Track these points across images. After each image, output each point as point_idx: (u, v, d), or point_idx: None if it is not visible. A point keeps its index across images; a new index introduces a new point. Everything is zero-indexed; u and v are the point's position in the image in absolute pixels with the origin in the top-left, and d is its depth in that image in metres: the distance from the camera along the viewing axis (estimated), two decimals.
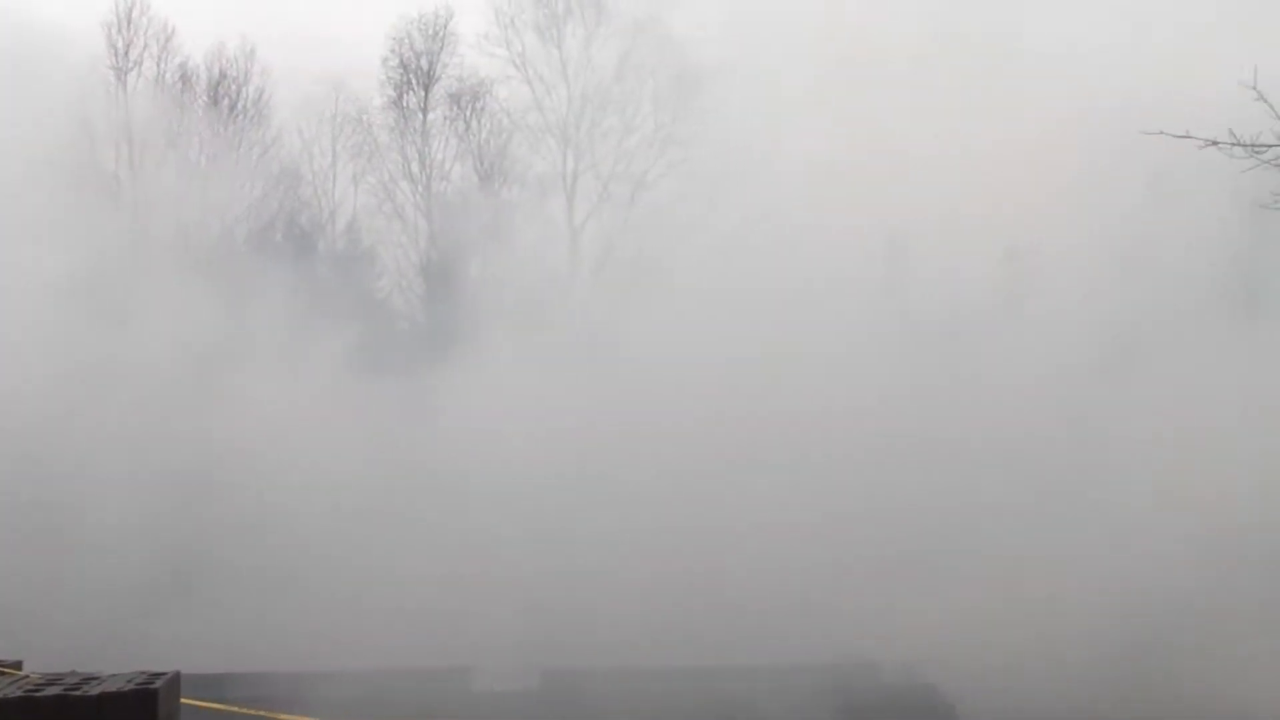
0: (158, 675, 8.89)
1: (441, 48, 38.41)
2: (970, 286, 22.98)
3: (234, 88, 36.92)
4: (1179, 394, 20.04)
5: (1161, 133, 13.56)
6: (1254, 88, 12.92)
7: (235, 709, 14.87)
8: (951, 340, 22.04)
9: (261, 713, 14.97)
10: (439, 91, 38.00)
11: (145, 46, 36.03)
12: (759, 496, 20.74)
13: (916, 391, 21.46)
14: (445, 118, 37.75)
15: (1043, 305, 22.54)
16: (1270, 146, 13.21)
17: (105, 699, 8.36)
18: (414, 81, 38.27)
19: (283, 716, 14.85)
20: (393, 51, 38.13)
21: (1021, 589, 19.04)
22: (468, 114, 37.41)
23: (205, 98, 36.24)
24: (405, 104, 38.16)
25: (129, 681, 8.68)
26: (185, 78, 36.32)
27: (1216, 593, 18.61)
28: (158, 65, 36.14)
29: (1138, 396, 20.54)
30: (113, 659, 11.84)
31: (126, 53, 35.86)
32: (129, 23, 36.05)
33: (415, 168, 37.45)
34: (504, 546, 20.26)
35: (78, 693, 8.40)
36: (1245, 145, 13.29)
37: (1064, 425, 21.01)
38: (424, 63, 38.24)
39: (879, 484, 20.75)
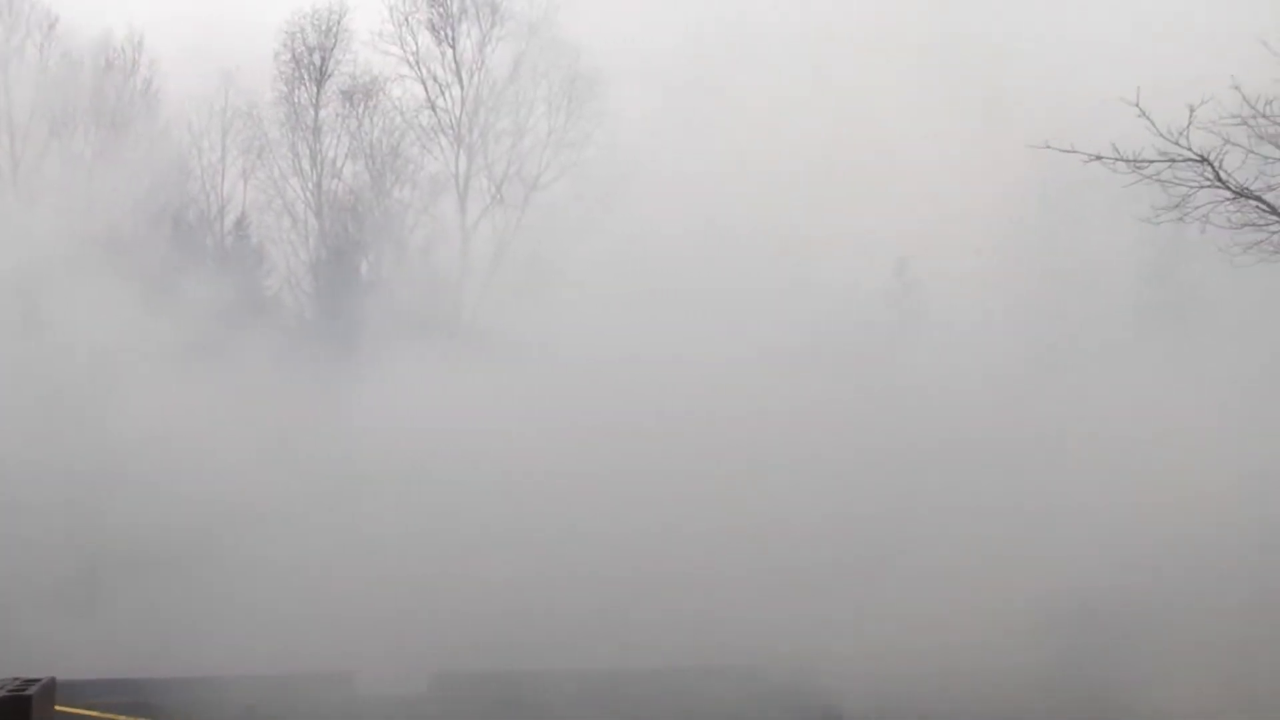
0: (32, 681, 8.71)
1: (335, 43, 37.91)
2: (870, 294, 23.22)
3: (121, 78, 36.20)
4: (1092, 400, 20.41)
5: (1048, 146, 13.89)
6: (1136, 104, 13.27)
7: (111, 717, 14.62)
8: (856, 347, 22.23)
9: None
10: (331, 88, 37.53)
11: (27, 34, 35.17)
12: (663, 501, 20.80)
13: (824, 399, 21.60)
14: (337, 114, 37.30)
15: (942, 315, 22.84)
16: (1151, 162, 13.58)
17: None
18: (306, 77, 37.76)
19: None
20: (285, 45, 37.56)
21: (915, 596, 19.25)
22: (360, 111, 36.99)
23: (90, 88, 35.44)
24: (297, 99, 37.61)
25: (1, 688, 8.50)
26: (70, 67, 35.51)
27: (1133, 595, 18.95)
28: (40, 53, 35.32)
29: (1044, 406, 20.93)
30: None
31: (8, 40, 35.00)
32: (10, 9, 35.17)
33: (306, 164, 36.98)
34: (399, 548, 20.10)
35: None
36: (1128, 160, 13.65)
37: (967, 433, 21.25)
38: (317, 58, 37.74)
39: (781, 490, 20.86)
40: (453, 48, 35.69)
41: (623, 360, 21.84)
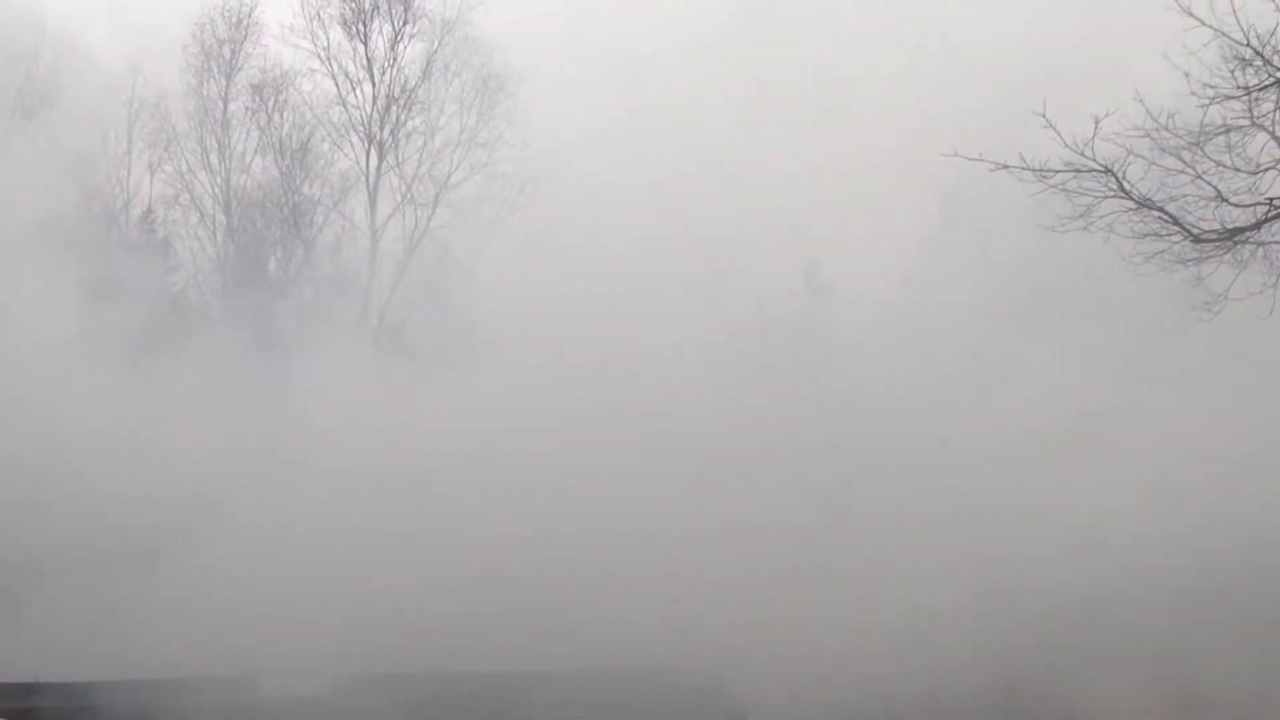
0: None
1: (245, 36, 37.44)
2: (780, 297, 23.36)
3: (24, 65, 35.50)
4: (994, 404, 20.64)
5: (956, 154, 14.05)
6: (1042, 115, 13.46)
7: None
8: (773, 350, 22.34)
9: None
10: (241, 81, 37.07)
11: None
12: (569, 503, 20.79)
13: (733, 401, 21.69)
14: (247, 109, 36.84)
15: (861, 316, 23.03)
16: (1057, 172, 13.79)
17: None
18: (216, 69, 37.25)
19: None
20: (194, 37, 37.03)
21: (821, 599, 19.37)
22: (270, 106, 36.55)
23: None
24: (206, 92, 37.13)
25: None
26: None
27: (1063, 594, 19.16)
28: None
29: (943, 409, 21.14)
30: None
31: None
32: None
33: (215, 158, 36.47)
34: (310, 548, 19.95)
35: None
36: (1034, 170, 13.85)
37: (890, 435, 21.41)
38: (226, 51, 37.27)
39: (688, 492, 20.92)
40: (364, 44, 35.44)
41: (537, 363, 21.84)
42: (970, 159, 13.99)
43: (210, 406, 21.94)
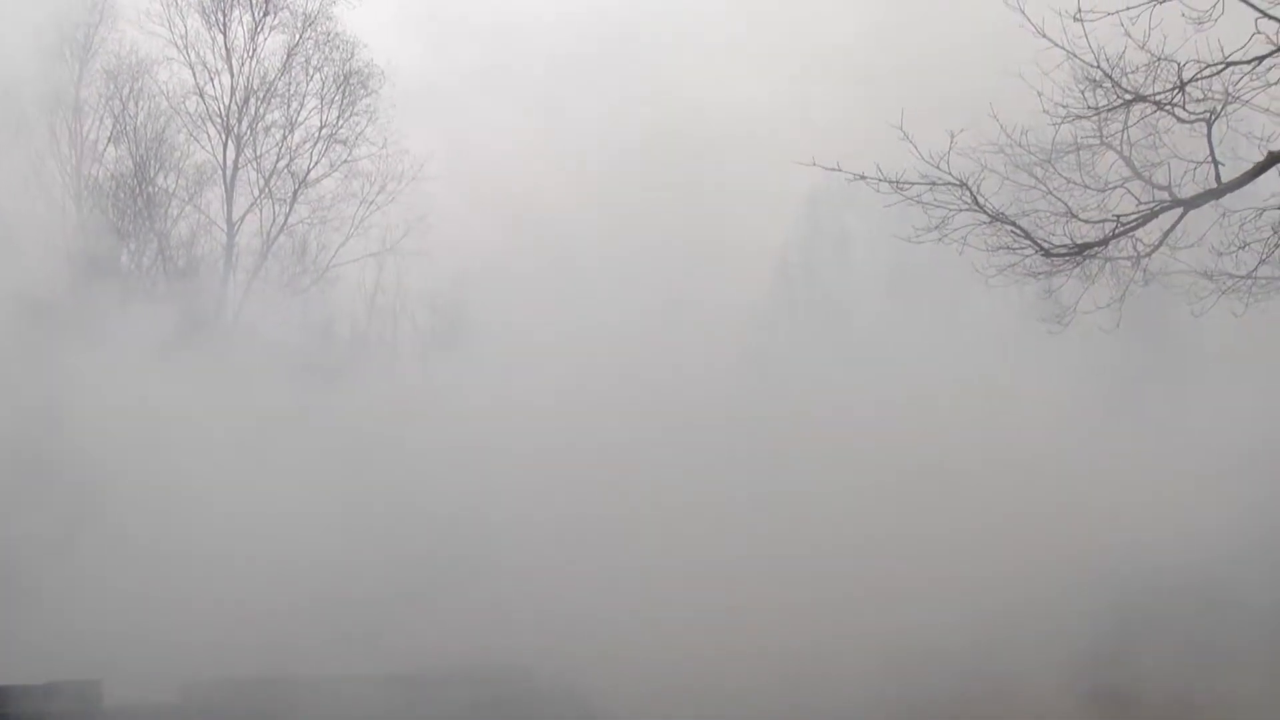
0: None
1: (100, 20, 36.51)
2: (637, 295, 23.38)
3: None
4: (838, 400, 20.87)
5: (814, 164, 14.19)
6: (900, 128, 13.65)
7: None
8: (622, 342, 22.36)
9: None
10: (95, 67, 36.12)
11: None
12: (417, 501, 20.67)
13: (584, 392, 21.70)
14: (100, 95, 35.91)
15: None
16: (913, 184, 13.98)
17: None
18: (68, 53, 36.26)
19: None
20: (47, 19, 36.03)
21: (681, 599, 19.44)
22: (125, 94, 35.64)
23: None
24: (57, 76, 36.09)
25: None
26: None
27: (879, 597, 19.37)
28: None
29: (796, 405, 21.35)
30: None
31: None
32: None
33: (65, 146, 35.49)
34: (154, 552, 19.56)
35: None
36: (890, 181, 14.04)
37: (753, 434, 21.53)
38: (80, 34, 36.29)
39: (536, 490, 20.88)
40: (223, 33, 34.74)
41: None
42: (828, 169, 14.15)
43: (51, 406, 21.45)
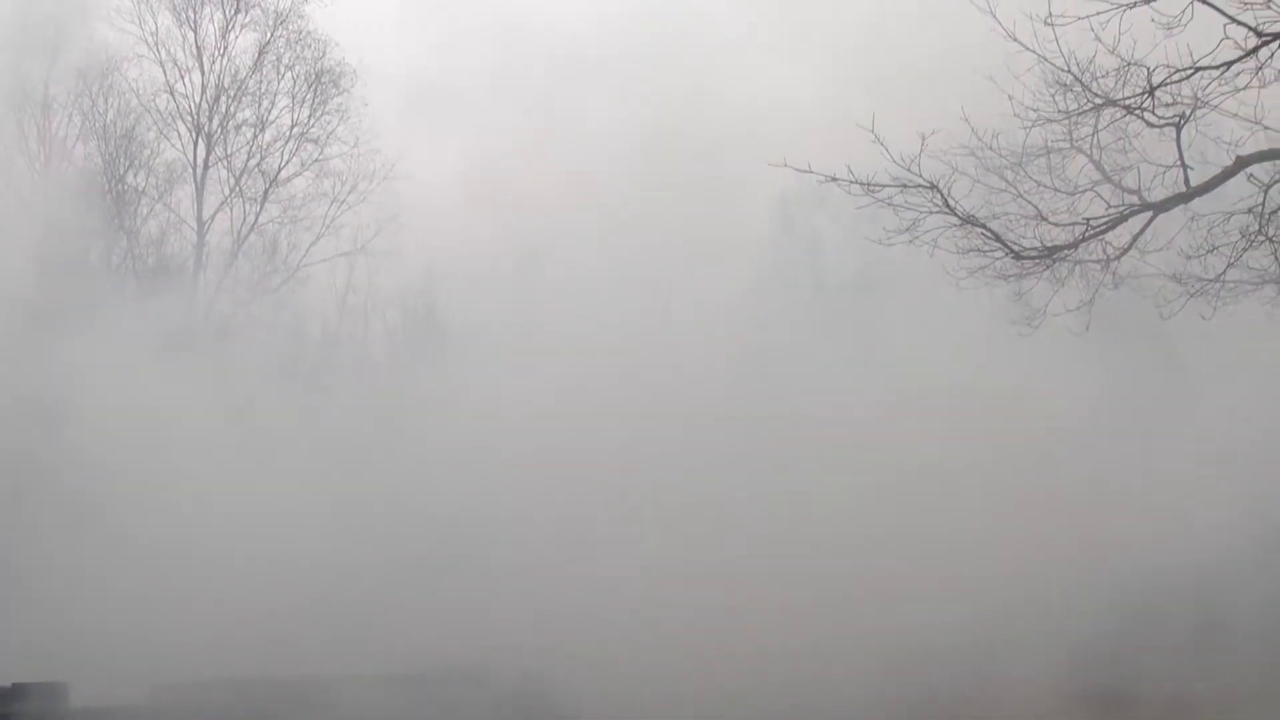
0: None
1: (70, 16, 36.26)
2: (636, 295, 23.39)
3: None
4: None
5: (785, 164, 14.20)
6: (871, 131, 13.68)
7: None
8: (621, 341, 22.38)
9: None
10: (64, 63, 35.86)
11: None
12: (415, 501, 20.65)
13: (583, 392, 21.68)
14: (70, 92, 35.66)
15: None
16: (885, 186, 14.02)
17: None
18: (37, 49, 36.03)
19: None
20: (15, 13, 35.76)
21: (643, 596, 19.43)
22: (94, 90, 35.41)
23: None
24: (26, 72, 35.85)
25: None
26: None
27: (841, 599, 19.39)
28: None
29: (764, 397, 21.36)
30: None
31: None
32: None
33: (34, 143, 35.26)
34: (116, 555, 19.47)
35: None
36: (862, 183, 14.07)
37: (710, 434, 21.53)
38: (49, 30, 36.05)
39: (535, 490, 20.85)
40: (194, 31, 34.53)
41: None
42: (800, 170, 14.16)
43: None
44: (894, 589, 18.70)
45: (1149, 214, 13.67)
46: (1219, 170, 13.26)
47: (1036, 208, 14.27)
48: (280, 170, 33.57)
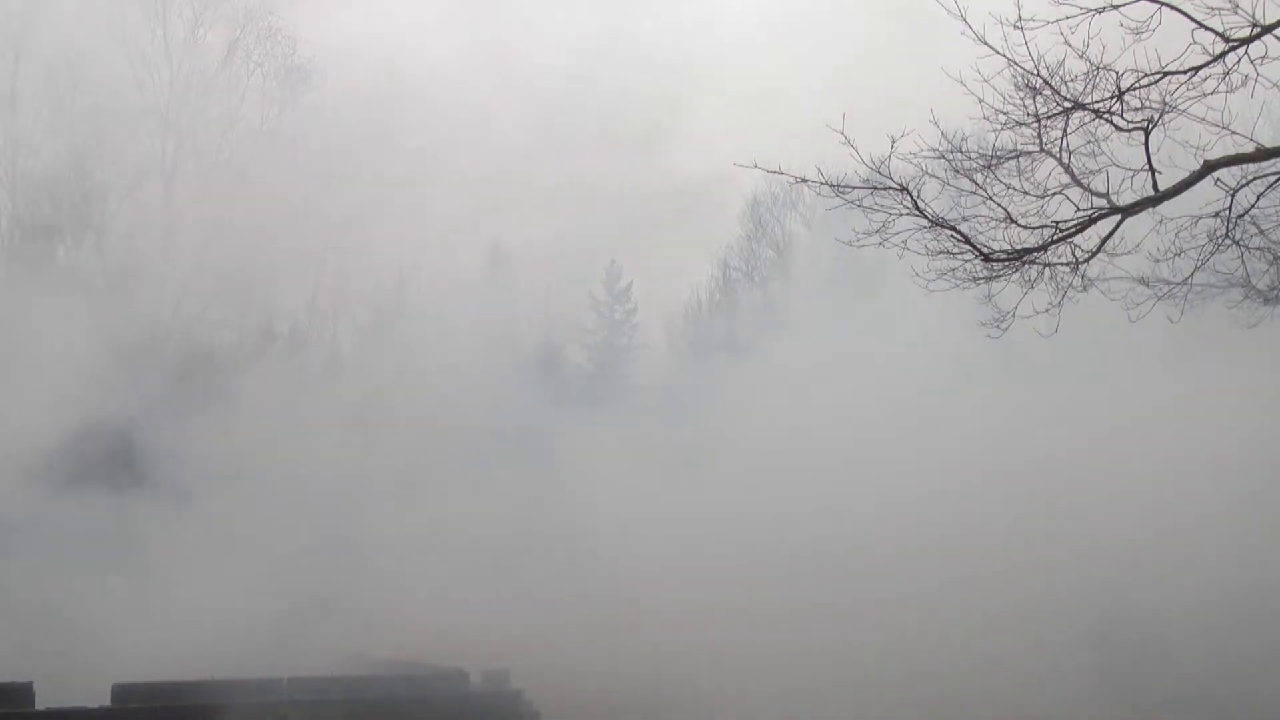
0: None
1: (37, 11, 35.98)
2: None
3: None
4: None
5: (755, 165, 14.19)
6: (841, 132, 13.67)
7: None
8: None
9: None
10: (32, 59, 35.64)
11: None
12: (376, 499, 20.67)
13: (518, 397, 21.75)
14: (37, 88, 35.44)
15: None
16: (854, 188, 14.02)
17: None
18: (4, 45, 35.79)
19: None
20: None
21: (615, 600, 19.49)
22: (62, 86, 35.19)
23: None
24: None
25: None
26: None
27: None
28: None
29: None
30: None
31: None
32: None
33: (1, 140, 35.09)
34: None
35: None
36: (832, 185, 14.06)
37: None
38: (16, 25, 35.81)
39: (477, 495, 20.91)
40: (163, 26, 34.44)
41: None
42: (770, 171, 14.14)
43: None
44: (896, 595, 18.76)
45: (1118, 217, 13.66)
46: (1187, 174, 13.28)
47: (1006, 210, 14.22)
48: (250, 166, 33.45)
